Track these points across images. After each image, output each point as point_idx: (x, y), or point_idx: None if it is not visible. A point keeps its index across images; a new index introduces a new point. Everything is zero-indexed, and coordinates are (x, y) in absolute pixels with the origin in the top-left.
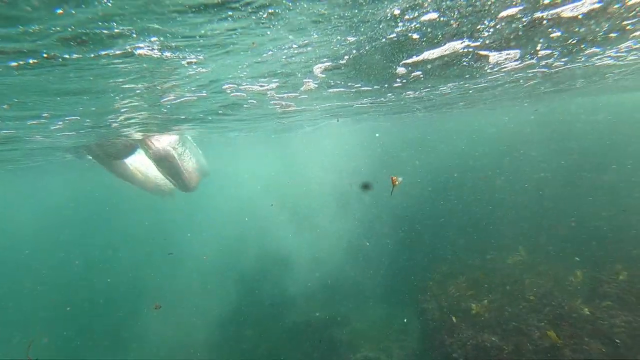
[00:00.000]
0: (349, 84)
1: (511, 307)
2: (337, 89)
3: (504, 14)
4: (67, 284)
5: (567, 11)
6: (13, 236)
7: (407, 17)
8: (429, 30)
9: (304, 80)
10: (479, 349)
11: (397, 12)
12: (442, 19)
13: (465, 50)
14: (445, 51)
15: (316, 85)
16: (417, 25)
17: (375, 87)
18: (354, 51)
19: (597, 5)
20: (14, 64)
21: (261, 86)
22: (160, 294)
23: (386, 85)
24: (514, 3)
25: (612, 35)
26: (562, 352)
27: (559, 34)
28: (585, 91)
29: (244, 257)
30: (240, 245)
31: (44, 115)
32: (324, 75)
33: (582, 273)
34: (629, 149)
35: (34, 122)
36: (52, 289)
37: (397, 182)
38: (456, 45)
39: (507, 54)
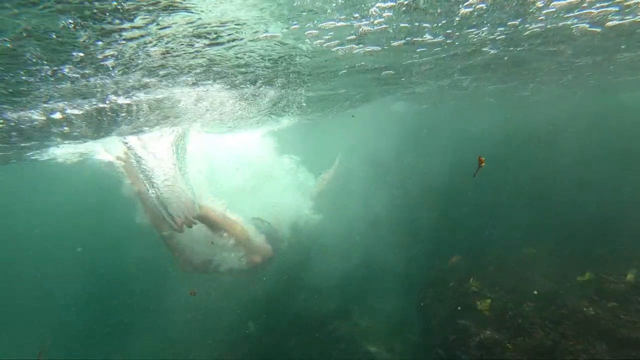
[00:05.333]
0: None
1: (515, 305)
2: None
3: None
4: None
5: None
6: (23, 230)
7: None
8: None
9: None
10: (482, 347)
11: None
12: None
13: None
14: None
15: None
16: None
17: None
18: None
19: None
20: None
21: None
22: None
23: None
24: None
25: None
26: (566, 351)
27: None
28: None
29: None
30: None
31: None
32: None
33: (589, 273)
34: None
35: None
36: (59, 286)
37: (483, 164)
38: None
39: None
